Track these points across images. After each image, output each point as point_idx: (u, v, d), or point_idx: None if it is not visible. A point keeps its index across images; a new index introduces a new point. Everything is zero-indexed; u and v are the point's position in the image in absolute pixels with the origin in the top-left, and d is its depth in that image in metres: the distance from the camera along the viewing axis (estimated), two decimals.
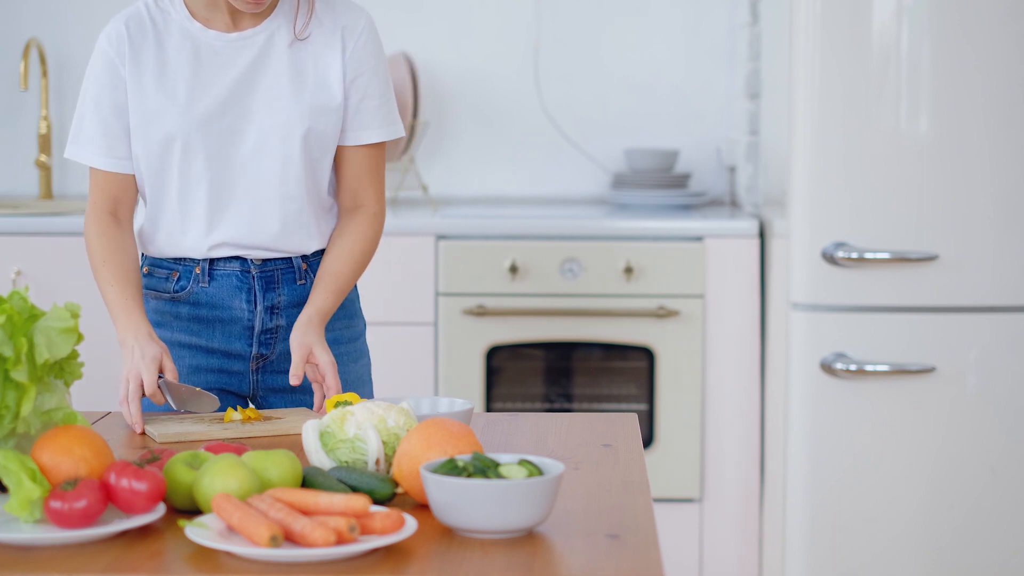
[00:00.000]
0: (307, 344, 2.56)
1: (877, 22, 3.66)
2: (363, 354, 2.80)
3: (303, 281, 2.70)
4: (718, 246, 4.10)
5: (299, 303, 2.69)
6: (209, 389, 2.68)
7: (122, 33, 2.61)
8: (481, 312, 4.09)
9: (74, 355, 2.01)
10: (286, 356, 2.68)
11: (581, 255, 4.09)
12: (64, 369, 2.01)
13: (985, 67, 3.64)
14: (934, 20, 3.64)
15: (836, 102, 3.68)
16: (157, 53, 2.61)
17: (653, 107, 4.69)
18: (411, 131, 4.49)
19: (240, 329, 2.68)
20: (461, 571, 1.72)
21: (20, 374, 1.91)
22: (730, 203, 4.66)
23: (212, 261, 2.66)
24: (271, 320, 2.68)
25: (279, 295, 2.68)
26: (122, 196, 2.65)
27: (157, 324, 2.69)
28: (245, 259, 2.67)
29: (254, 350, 2.69)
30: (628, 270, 4.08)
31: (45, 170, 4.60)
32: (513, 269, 4.09)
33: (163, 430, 2.38)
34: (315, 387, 2.57)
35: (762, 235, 4.13)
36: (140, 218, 2.70)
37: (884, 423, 3.72)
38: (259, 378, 2.71)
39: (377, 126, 2.68)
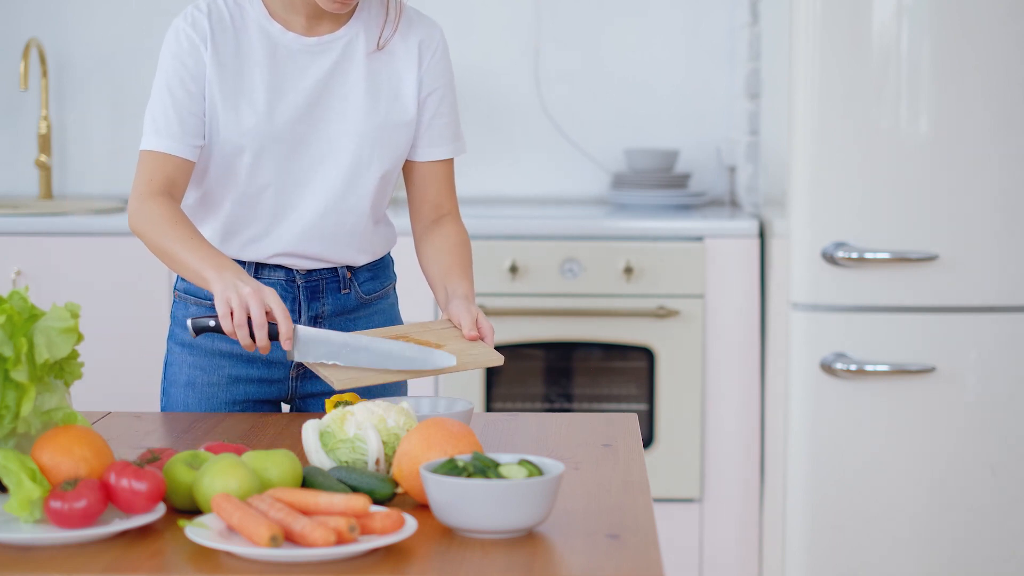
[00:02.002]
0: (474, 312, 2.50)
1: (877, 22, 3.66)
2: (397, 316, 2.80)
3: (347, 291, 2.65)
4: (718, 246, 4.10)
5: (342, 312, 2.66)
6: (244, 401, 2.64)
7: (204, 25, 2.53)
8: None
9: (74, 355, 2.01)
10: None
11: (581, 255, 4.09)
12: (64, 369, 2.01)
13: (985, 67, 3.64)
14: (934, 20, 3.64)
15: (836, 102, 3.68)
16: (235, 51, 2.54)
17: (653, 107, 4.69)
18: None
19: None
20: (461, 571, 1.72)
21: (20, 374, 1.91)
22: (730, 203, 4.66)
23: (257, 266, 2.60)
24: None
25: (323, 305, 2.64)
26: (181, 181, 2.54)
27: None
28: (291, 268, 2.61)
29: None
30: (628, 270, 4.08)
31: (45, 170, 4.60)
32: (513, 269, 4.09)
33: (340, 375, 2.34)
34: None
35: (762, 235, 4.13)
36: (189, 215, 2.61)
37: (884, 423, 3.72)
38: (298, 384, 2.66)
39: (448, 142, 2.66)
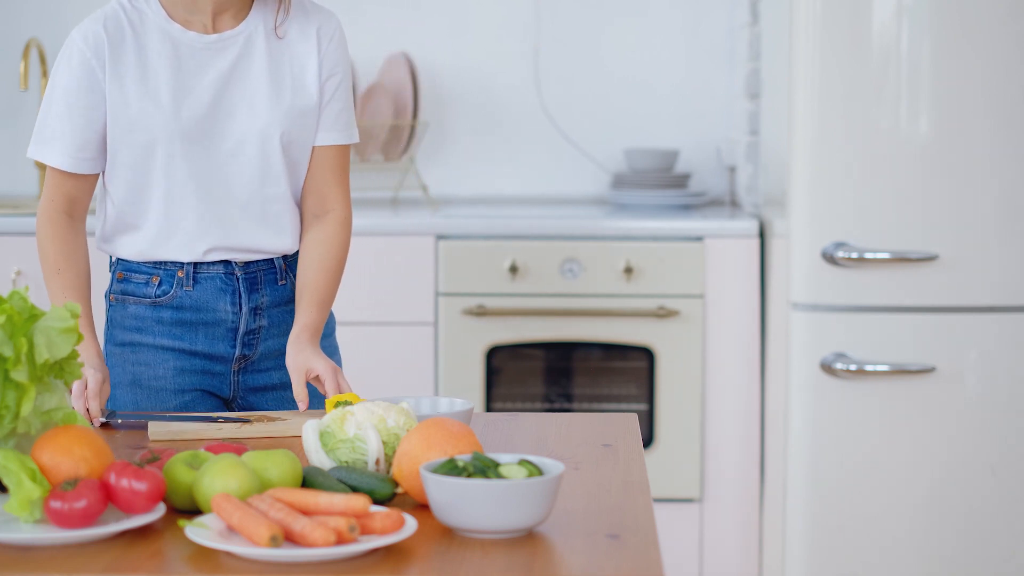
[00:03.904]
0: (302, 362, 2.53)
1: (877, 22, 3.66)
2: (335, 350, 2.80)
3: (284, 281, 2.70)
4: (718, 246, 4.10)
5: (280, 303, 2.70)
6: (192, 391, 2.68)
7: (100, 34, 2.59)
8: (481, 312, 4.09)
9: (74, 355, 2.01)
10: (267, 355, 2.70)
11: (581, 255, 4.09)
12: (64, 369, 2.01)
13: (985, 67, 3.64)
14: (934, 20, 3.64)
15: (836, 102, 3.68)
16: (137, 55, 2.59)
17: (653, 107, 4.69)
18: (411, 131, 4.49)
19: (224, 331, 2.67)
20: (461, 571, 1.72)
21: (20, 374, 1.91)
22: (730, 203, 4.66)
23: (196, 264, 2.65)
24: (254, 321, 2.68)
25: (262, 296, 2.68)
26: (80, 197, 2.63)
27: (137, 330, 2.66)
28: (229, 262, 2.66)
29: (237, 351, 2.68)
30: (628, 270, 4.08)
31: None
32: (513, 269, 4.09)
33: (158, 429, 2.38)
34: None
35: (762, 235, 4.13)
36: (106, 220, 2.67)
37: (884, 423, 3.72)
38: (240, 379, 2.71)
39: (342, 128, 2.70)
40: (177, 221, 2.63)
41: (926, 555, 3.73)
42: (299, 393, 2.51)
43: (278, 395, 2.73)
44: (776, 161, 3.97)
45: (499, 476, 1.84)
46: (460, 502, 1.81)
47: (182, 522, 1.83)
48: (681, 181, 4.51)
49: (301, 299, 2.63)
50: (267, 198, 2.65)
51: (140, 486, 1.84)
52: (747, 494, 4.10)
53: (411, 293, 4.12)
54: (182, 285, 2.64)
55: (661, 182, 4.48)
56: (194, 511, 1.93)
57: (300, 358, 2.54)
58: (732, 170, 4.68)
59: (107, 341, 2.70)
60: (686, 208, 4.44)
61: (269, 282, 2.69)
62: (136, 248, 2.65)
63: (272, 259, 2.69)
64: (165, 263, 2.64)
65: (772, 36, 4.10)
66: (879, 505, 3.73)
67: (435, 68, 4.63)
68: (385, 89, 4.52)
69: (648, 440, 4.12)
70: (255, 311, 2.68)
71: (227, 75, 2.61)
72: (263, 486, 1.91)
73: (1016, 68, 3.65)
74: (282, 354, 2.70)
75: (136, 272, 2.66)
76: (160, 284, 2.65)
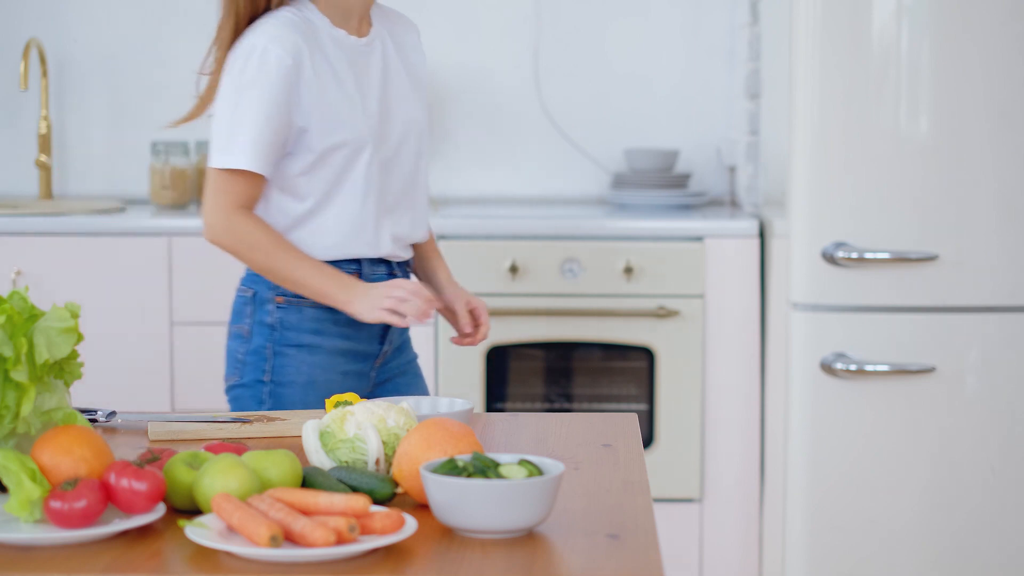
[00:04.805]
0: (463, 295, 2.83)
1: (877, 22, 3.66)
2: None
3: (411, 272, 2.88)
4: (718, 246, 4.10)
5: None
6: (351, 391, 2.78)
7: (298, 42, 2.64)
8: None
9: (74, 355, 2.01)
10: (394, 350, 2.83)
11: (581, 255, 4.09)
12: (64, 369, 2.01)
13: (985, 67, 3.64)
14: (934, 20, 3.64)
15: (836, 102, 3.68)
16: (325, 60, 2.68)
17: (653, 107, 4.69)
18: None
19: (378, 329, 2.78)
20: (461, 571, 1.72)
21: (20, 374, 1.91)
22: (730, 203, 4.66)
23: (362, 264, 2.74)
24: None
25: None
26: (257, 197, 2.70)
27: (315, 332, 2.73)
28: (390, 261, 2.78)
29: (383, 348, 2.80)
30: (628, 270, 4.08)
31: (45, 170, 4.60)
32: (513, 269, 4.09)
33: (158, 429, 2.38)
34: (468, 333, 2.82)
35: (762, 235, 4.13)
36: (289, 221, 2.72)
37: (884, 423, 3.72)
38: (375, 375, 2.82)
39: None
40: (365, 217, 2.72)
41: (926, 555, 3.73)
42: (464, 318, 2.80)
43: (408, 380, 2.85)
44: (776, 161, 3.97)
45: (499, 476, 1.85)
46: (460, 502, 1.81)
47: (182, 522, 1.83)
48: (681, 181, 4.51)
49: (432, 256, 2.90)
50: (417, 186, 2.80)
51: (140, 486, 1.85)
52: (747, 494, 4.10)
53: None
54: None
55: (661, 182, 4.48)
56: (194, 511, 1.93)
57: (460, 292, 2.84)
58: (732, 170, 4.68)
59: (278, 343, 2.74)
60: (686, 208, 4.44)
61: (406, 276, 2.83)
62: (323, 245, 2.71)
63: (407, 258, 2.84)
64: (340, 262, 2.72)
65: (772, 36, 4.10)
66: (879, 505, 3.73)
67: (435, 68, 4.63)
68: None
69: (648, 440, 4.12)
70: None
71: (383, 74, 2.74)
72: (263, 486, 1.91)
73: (1016, 68, 3.65)
74: (399, 349, 2.85)
75: None
76: None
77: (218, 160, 2.65)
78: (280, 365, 2.73)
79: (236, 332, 2.77)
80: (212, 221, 2.66)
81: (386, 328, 2.78)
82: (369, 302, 2.62)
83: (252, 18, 2.68)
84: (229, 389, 2.78)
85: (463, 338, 2.83)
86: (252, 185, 2.67)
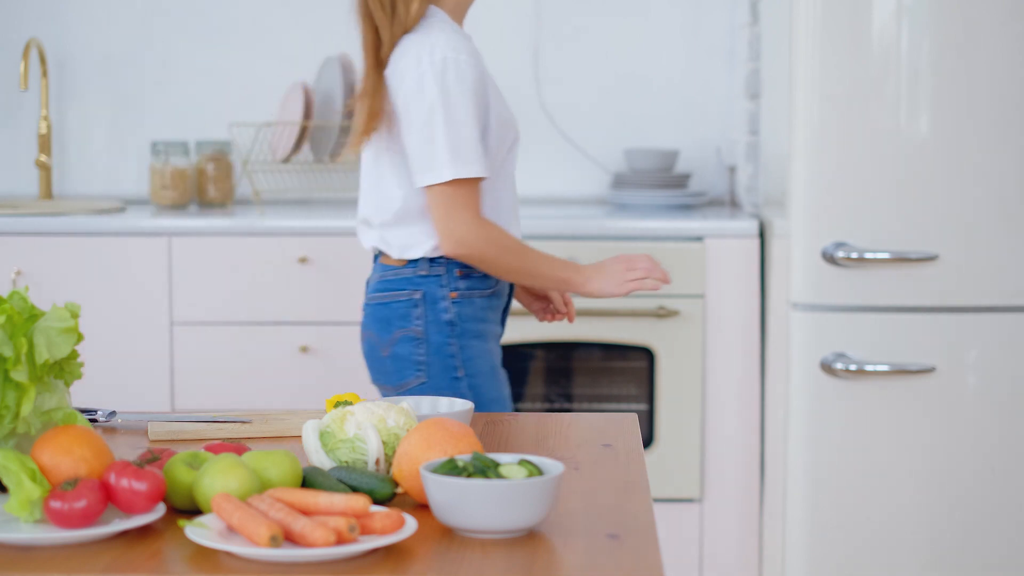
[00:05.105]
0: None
1: (877, 22, 3.66)
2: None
3: None
4: (718, 246, 4.10)
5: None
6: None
7: (474, 49, 2.80)
8: None
9: (74, 355, 2.01)
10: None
11: (581, 255, 4.09)
12: (64, 369, 2.01)
13: (985, 67, 3.64)
14: (934, 20, 3.64)
15: (836, 102, 3.68)
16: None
17: (653, 107, 4.69)
18: None
19: (503, 312, 2.94)
20: (461, 571, 1.72)
21: (20, 374, 1.91)
22: (730, 203, 4.66)
23: None
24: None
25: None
26: None
27: (484, 320, 2.85)
28: None
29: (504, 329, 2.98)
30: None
31: (45, 170, 4.60)
32: None
33: (158, 429, 2.38)
34: (554, 316, 3.03)
35: (762, 235, 4.13)
36: None
37: (884, 423, 3.72)
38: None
39: None
40: (512, 211, 2.89)
41: (926, 554, 3.73)
42: (558, 299, 3.00)
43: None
44: (776, 161, 3.97)
45: (499, 476, 1.85)
46: (460, 502, 1.81)
47: (182, 522, 1.83)
48: (681, 181, 4.51)
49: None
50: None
51: (140, 486, 1.85)
52: (747, 494, 4.10)
53: None
54: None
55: (661, 182, 4.48)
56: (194, 511, 1.93)
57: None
58: (732, 170, 4.68)
59: (460, 336, 2.84)
60: (686, 208, 4.44)
61: None
62: None
63: None
64: None
65: (772, 36, 4.10)
66: (879, 505, 3.73)
67: None
68: None
69: (648, 440, 4.12)
70: (510, 295, 2.96)
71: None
72: (263, 486, 1.91)
73: (1016, 68, 3.65)
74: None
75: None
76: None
77: (453, 172, 2.74)
78: (469, 358, 2.83)
79: (405, 336, 2.84)
80: (463, 232, 2.75)
81: (506, 310, 2.93)
82: (613, 278, 2.80)
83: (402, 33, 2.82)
84: (411, 391, 2.84)
85: (555, 315, 3.00)
86: (479, 191, 2.79)
